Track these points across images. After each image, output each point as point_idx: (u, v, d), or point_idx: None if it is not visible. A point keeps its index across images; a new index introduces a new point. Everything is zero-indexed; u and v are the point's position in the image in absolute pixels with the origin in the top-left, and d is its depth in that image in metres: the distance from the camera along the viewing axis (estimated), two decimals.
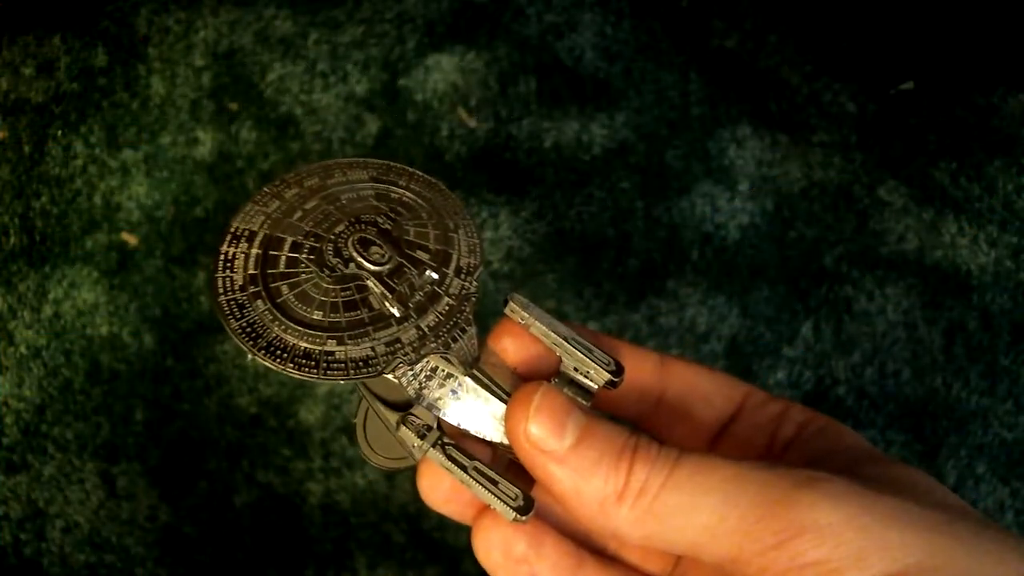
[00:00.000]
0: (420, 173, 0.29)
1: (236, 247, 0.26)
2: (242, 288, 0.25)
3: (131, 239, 0.83)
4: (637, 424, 0.28)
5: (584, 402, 0.25)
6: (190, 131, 0.89)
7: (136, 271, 0.81)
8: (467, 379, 0.25)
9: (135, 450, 0.74)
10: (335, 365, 0.24)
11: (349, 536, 0.71)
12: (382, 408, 0.26)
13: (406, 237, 0.27)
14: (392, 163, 0.29)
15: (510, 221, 0.85)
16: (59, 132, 0.89)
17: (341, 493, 0.73)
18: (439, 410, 0.25)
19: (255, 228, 0.27)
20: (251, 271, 0.26)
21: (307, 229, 0.27)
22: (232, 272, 0.26)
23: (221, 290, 0.25)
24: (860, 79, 0.93)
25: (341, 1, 0.97)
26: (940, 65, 0.94)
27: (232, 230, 0.27)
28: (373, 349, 0.24)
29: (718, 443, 0.27)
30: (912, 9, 0.98)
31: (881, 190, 0.87)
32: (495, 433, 0.25)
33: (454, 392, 0.25)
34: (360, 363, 0.24)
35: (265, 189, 0.28)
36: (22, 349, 0.78)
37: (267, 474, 0.73)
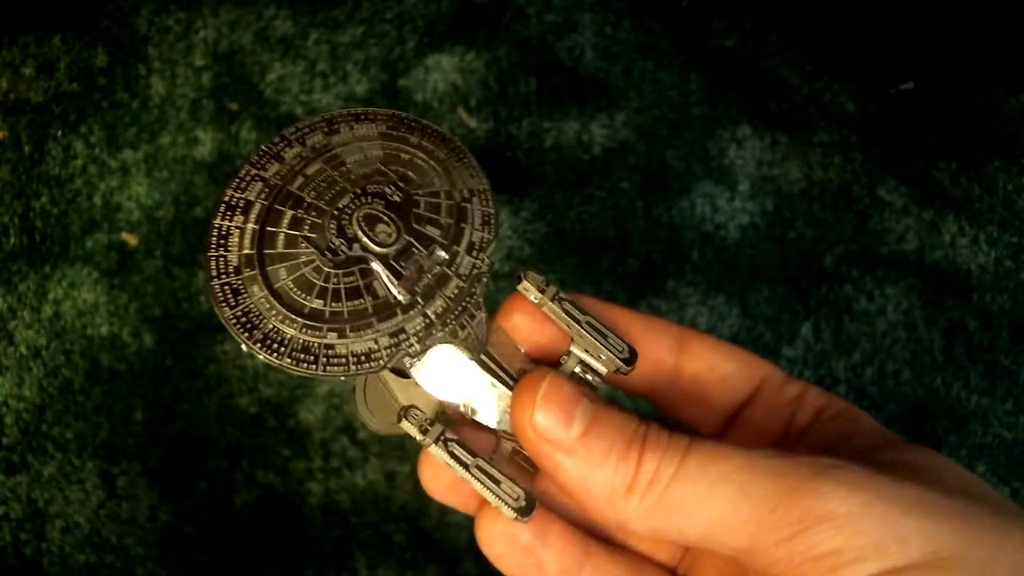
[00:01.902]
0: (433, 126, 0.27)
1: (231, 220, 0.24)
2: (237, 270, 0.23)
3: (131, 239, 0.83)
4: (651, 399, 0.27)
5: (595, 383, 0.25)
6: (190, 131, 0.89)
7: (136, 271, 0.81)
8: (474, 364, 0.24)
9: (135, 450, 0.74)
10: (335, 360, 0.23)
11: (349, 536, 0.71)
12: (387, 375, 0.25)
13: (416, 209, 0.25)
14: (402, 114, 0.27)
15: (510, 221, 0.85)
16: (59, 132, 0.89)
17: (341, 493, 0.72)
18: (441, 394, 0.24)
19: (251, 198, 0.25)
20: (247, 251, 0.24)
21: (309, 201, 0.24)
22: (226, 250, 0.24)
23: (214, 272, 0.23)
24: (860, 79, 0.93)
25: (341, 1, 0.97)
26: (940, 65, 0.94)
27: (226, 199, 0.24)
28: (376, 341, 0.23)
29: (733, 425, 0.26)
30: (912, 9, 0.98)
31: (881, 190, 0.87)
32: (500, 420, 0.24)
33: (459, 377, 0.24)
34: (362, 357, 0.23)
35: (263, 148, 0.26)
36: (22, 349, 0.78)
37: (267, 474, 0.73)
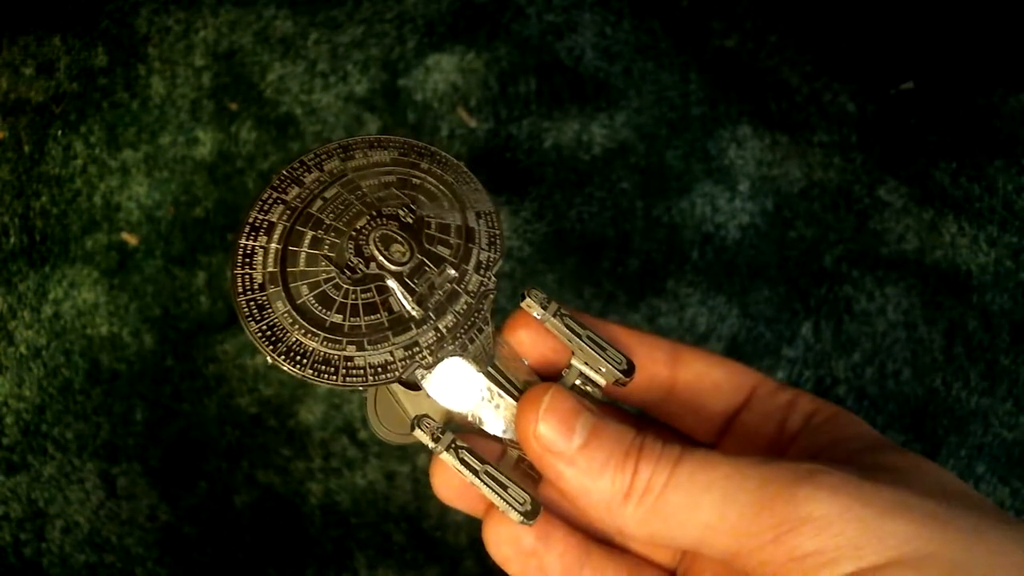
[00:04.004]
0: (442, 153, 0.29)
1: (255, 240, 0.26)
2: (261, 287, 0.25)
3: (131, 239, 0.83)
4: (649, 412, 0.28)
5: (594, 395, 0.26)
6: (190, 131, 0.89)
7: (136, 271, 0.81)
8: (481, 376, 0.25)
9: (135, 450, 0.74)
10: (354, 371, 0.24)
11: (349, 536, 0.71)
12: (396, 388, 0.26)
13: (427, 231, 0.26)
14: (413, 141, 0.29)
15: (510, 221, 0.85)
16: (59, 132, 0.89)
17: (341, 493, 0.73)
18: (450, 405, 0.25)
19: (274, 219, 0.26)
20: (271, 268, 0.25)
21: (327, 222, 0.26)
22: (251, 269, 0.25)
23: (240, 289, 0.25)
24: (860, 79, 0.93)
25: (341, 1, 0.97)
26: (940, 65, 0.94)
27: (251, 221, 0.26)
28: (392, 354, 0.25)
29: (728, 433, 0.27)
30: (912, 9, 0.98)
31: (881, 190, 0.87)
32: (506, 429, 0.25)
33: (468, 389, 0.25)
34: (379, 369, 0.24)
35: (284, 172, 0.27)
36: (22, 349, 0.78)
37: (267, 474, 0.73)
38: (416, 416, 0.24)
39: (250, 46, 0.94)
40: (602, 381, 0.26)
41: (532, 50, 0.95)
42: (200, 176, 0.86)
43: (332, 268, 0.25)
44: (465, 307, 0.26)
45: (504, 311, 0.27)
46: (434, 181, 0.28)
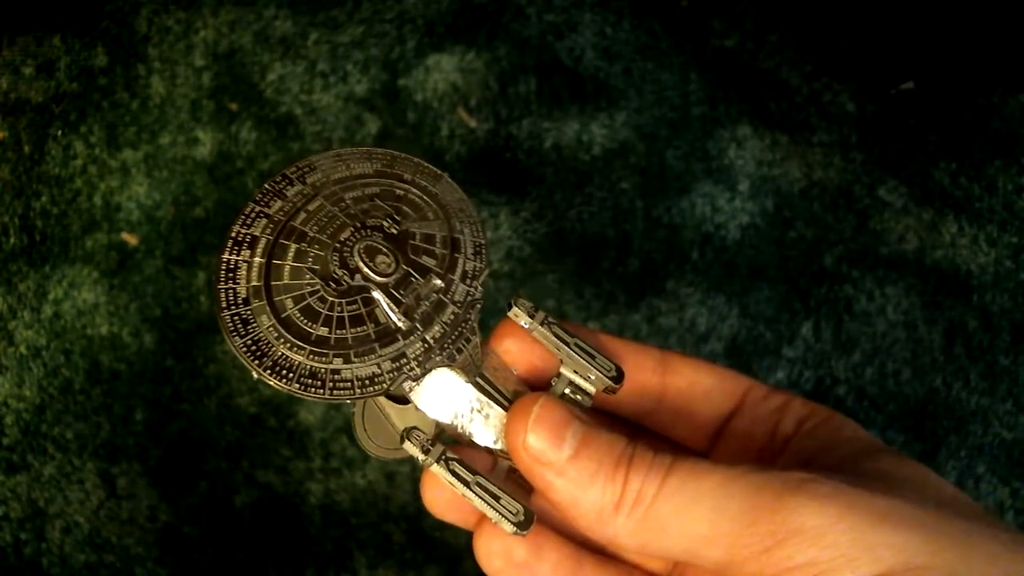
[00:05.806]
0: (425, 164, 0.29)
1: (238, 255, 0.25)
2: (245, 301, 0.25)
3: (131, 239, 0.83)
4: (640, 422, 0.28)
5: (584, 403, 0.25)
6: (190, 131, 0.89)
7: (136, 271, 0.81)
8: (470, 387, 0.25)
9: (135, 450, 0.74)
10: (341, 384, 0.24)
11: (349, 536, 0.71)
12: (383, 402, 0.26)
13: (412, 241, 0.26)
14: (396, 153, 0.29)
15: (510, 221, 0.85)
16: (59, 132, 0.89)
17: (341, 493, 0.73)
18: (439, 416, 0.25)
19: (257, 233, 0.26)
20: (254, 283, 0.25)
21: (311, 235, 0.26)
22: (235, 283, 0.25)
23: (224, 303, 0.24)
24: (860, 79, 0.93)
25: (341, 1, 0.97)
26: (940, 65, 0.94)
27: (233, 235, 0.26)
28: (379, 366, 0.24)
29: (720, 439, 0.27)
30: (912, 9, 0.98)
31: (881, 190, 0.87)
32: (497, 440, 0.25)
33: (457, 400, 0.25)
34: (366, 381, 0.24)
35: (266, 186, 0.27)
36: (22, 349, 0.78)
37: (267, 474, 0.73)
38: (406, 428, 0.24)
39: (250, 46, 0.94)
40: (592, 389, 0.25)
41: (532, 50, 0.95)
42: (200, 176, 0.86)
43: (317, 280, 0.25)
44: (452, 317, 0.25)
45: (495, 316, 0.27)
46: (418, 192, 0.28)
